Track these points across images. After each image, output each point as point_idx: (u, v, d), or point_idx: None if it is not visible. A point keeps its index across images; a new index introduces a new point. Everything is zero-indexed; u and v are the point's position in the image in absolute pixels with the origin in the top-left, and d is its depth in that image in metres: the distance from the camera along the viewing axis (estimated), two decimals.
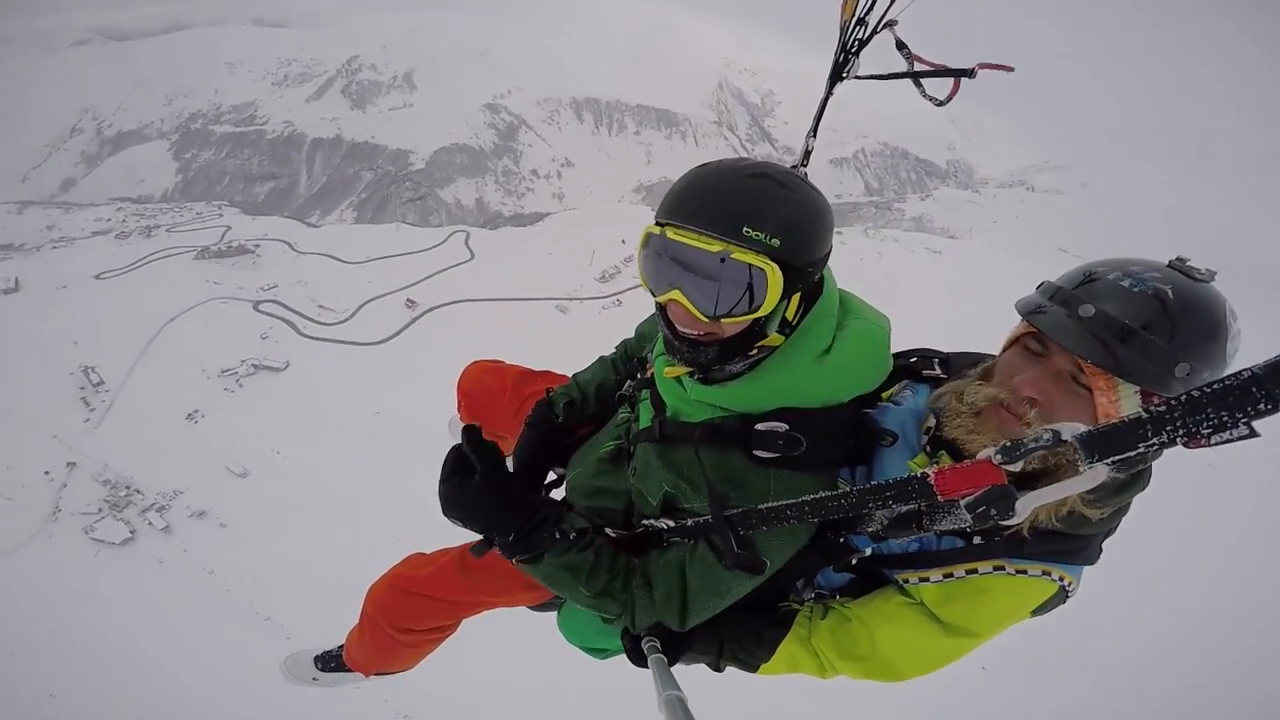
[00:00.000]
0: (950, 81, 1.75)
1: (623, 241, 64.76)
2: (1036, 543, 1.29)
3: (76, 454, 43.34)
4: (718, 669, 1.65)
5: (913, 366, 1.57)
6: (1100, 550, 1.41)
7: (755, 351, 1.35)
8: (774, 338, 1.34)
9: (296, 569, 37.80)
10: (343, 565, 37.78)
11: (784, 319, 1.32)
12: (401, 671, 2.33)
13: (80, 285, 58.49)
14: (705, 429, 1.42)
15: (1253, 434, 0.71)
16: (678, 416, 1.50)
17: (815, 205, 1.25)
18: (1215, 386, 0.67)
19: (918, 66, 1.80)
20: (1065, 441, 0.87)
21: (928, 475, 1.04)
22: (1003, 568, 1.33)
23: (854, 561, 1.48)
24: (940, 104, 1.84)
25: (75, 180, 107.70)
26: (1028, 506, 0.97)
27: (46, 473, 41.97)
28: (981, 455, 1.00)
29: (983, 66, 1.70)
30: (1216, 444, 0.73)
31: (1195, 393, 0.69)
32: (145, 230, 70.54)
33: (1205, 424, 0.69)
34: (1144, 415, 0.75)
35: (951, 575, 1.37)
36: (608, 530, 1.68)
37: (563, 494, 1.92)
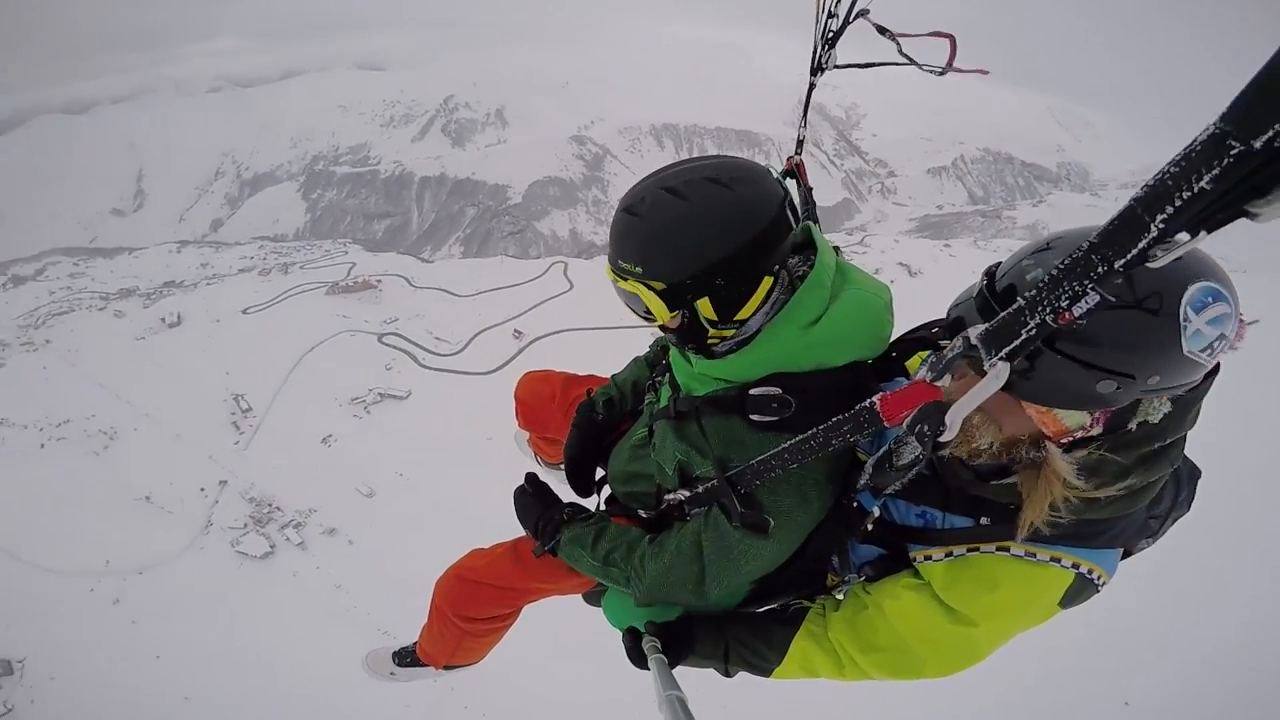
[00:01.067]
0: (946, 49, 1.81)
1: None
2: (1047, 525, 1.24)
3: (228, 473, 47.72)
4: (727, 674, 1.67)
5: (933, 337, 1.50)
6: (1147, 533, 1.37)
7: (716, 341, 1.50)
8: (729, 334, 1.48)
9: (416, 586, 38.95)
10: None
11: (710, 319, 1.43)
12: (470, 664, 2.45)
13: (231, 319, 65.05)
14: (707, 399, 1.54)
15: (1105, 300, 0.79)
16: (689, 393, 1.61)
17: (665, 229, 1.35)
18: (1065, 261, 0.76)
19: (904, 44, 1.91)
20: (974, 344, 0.93)
21: (874, 403, 1.14)
22: (1007, 549, 1.30)
23: (869, 527, 1.48)
24: (940, 74, 1.86)
25: (222, 220, 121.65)
26: (956, 417, 1.00)
27: (202, 489, 46.34)
28: (916, 377, 1.07)
29: (955, 70, 1.82)
30: (1080, 316, 0.81)
31: (1054, 270, 0.78)
32: (283, 267, 77.80)
33: (1064, 297, 0.77)
34: (1021, 303, 0.84)
35: (952, 554, 1.37)
36: (640, 513, 1.87)
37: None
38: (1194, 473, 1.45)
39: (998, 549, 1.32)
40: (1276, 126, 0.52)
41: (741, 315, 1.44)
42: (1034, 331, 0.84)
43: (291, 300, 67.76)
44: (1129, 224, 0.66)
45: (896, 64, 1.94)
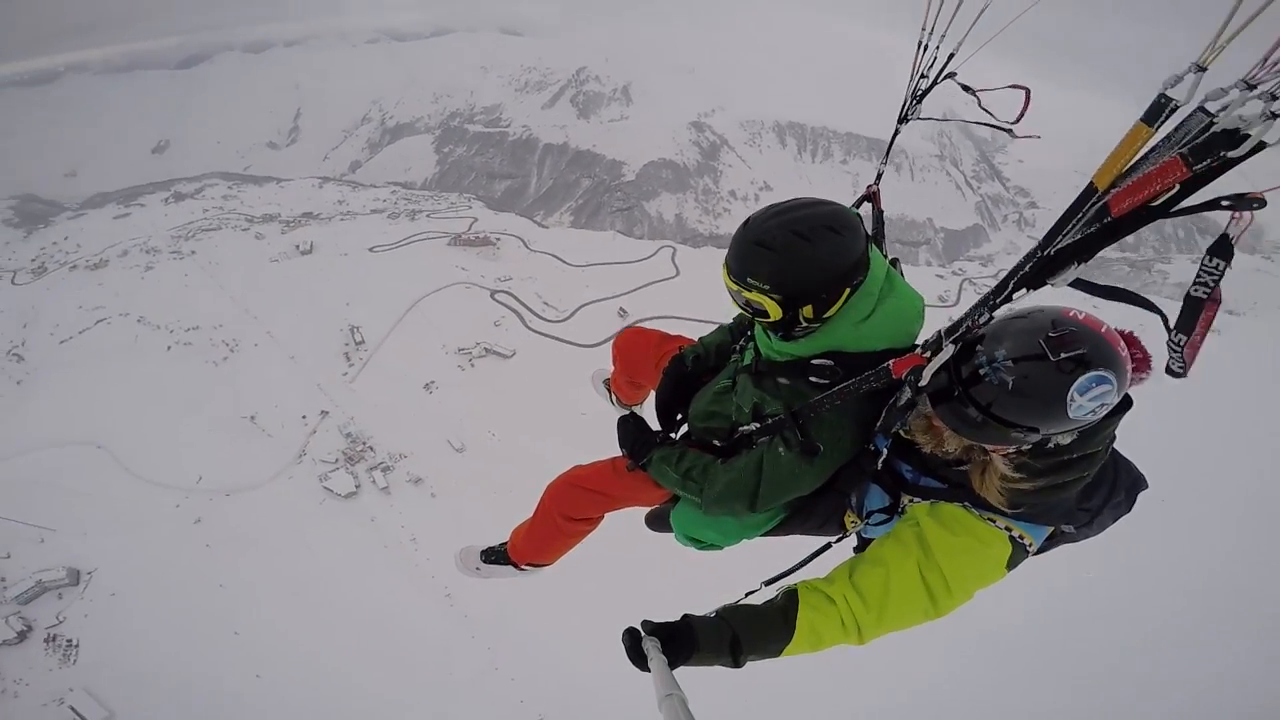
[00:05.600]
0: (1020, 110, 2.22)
1: None
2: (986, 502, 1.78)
3: (331, 404, 48.63)
4: (737, 664, 1.82)
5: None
6: (1076, 520, 1.86)
7: (800, 330, 2.03)
8: (810, 326, 2.01)
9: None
10: None
11: (807, 318, 1.97)
12: (545, 565, 2.96)
13: (357, 255, 67.82)
14: (780, 364, 2.14)
15: (991, 319, 1.51)
16: (769, 358, 2.19)
17: (793, 262, 1.88)
18: (981, 298, 1.48)
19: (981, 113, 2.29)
20: (941, 334, 1.62)
21: (889, 364, 1.76)
22: (965, 507, 1.82)
23: (879, 465, 1.98)
24: (1011, 133, 2.23)
25: (361, 163, 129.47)
26: (927, 372, 1.62)
27: (303, 417, 47.37)
28: (915, 351, 1.70)
29: (1020, 132, 2.22)
30: (981, 326, 1.54)
31: (975, 302, 1.49)
32: (410, 214, 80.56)
33: (977, 316, 1.49)
34: (962, 317, 1.53)
35: (930, 500, 1.91)
36: (715, 443, 2.40)
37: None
38: (1136, 482, 1.93)
39: (960, 503, 1.82)
40: (1066, 244, 1.25)
41: (828, 315, 1.99)
42: (965, 331, 1.53)
43: (415, 245, 69.83)
44: (995, 292, 1.43)
45: (979, 123, 2.26)
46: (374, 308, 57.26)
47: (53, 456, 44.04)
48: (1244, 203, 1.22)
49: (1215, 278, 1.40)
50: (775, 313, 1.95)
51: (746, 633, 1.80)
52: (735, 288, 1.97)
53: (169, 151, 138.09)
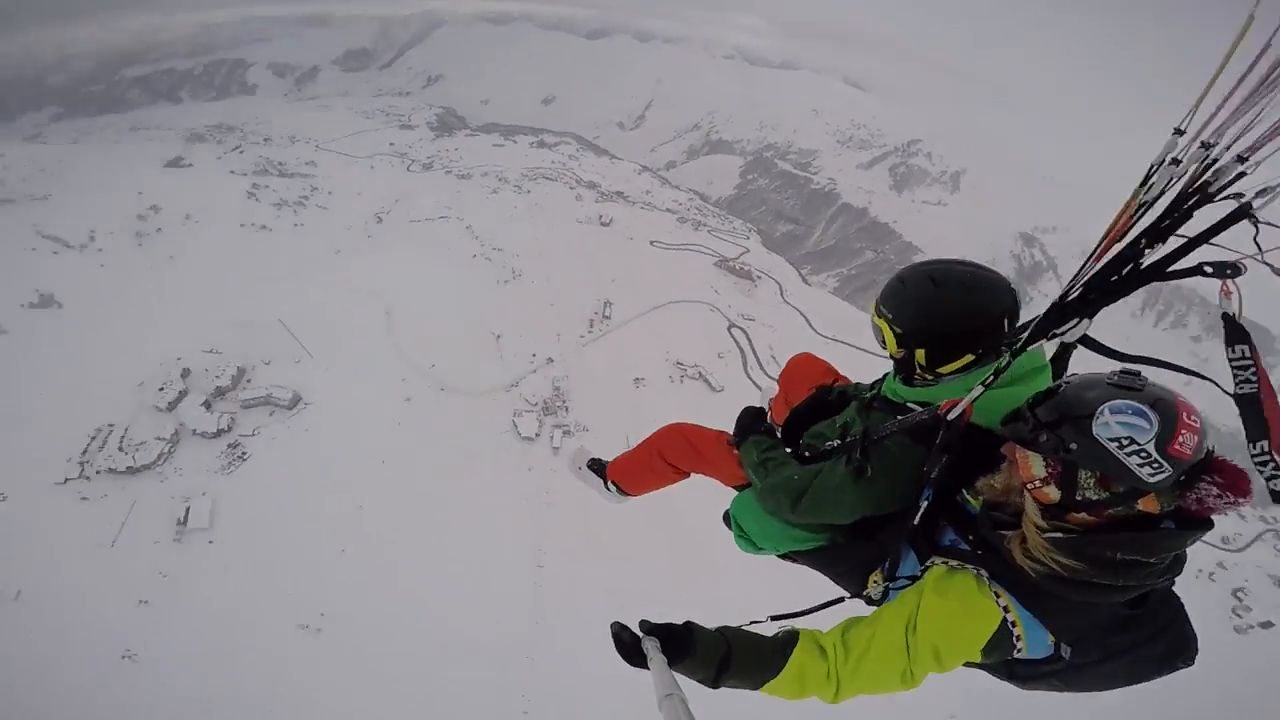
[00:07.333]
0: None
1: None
2: (1008, 576, 1.68)
3: (559, 355, 54.06)
4: (715, 684, 1.76)
5: None
6: (1087, 647, 1.66)
7: (918, 380, 2.21)
8: (926, 377, 2.19)
9: (600, 557, 38.96)
10: (620, 598, 35.12)
11: (921, 364, 2.14)
12: (630, 495, 3.39)
13: (640, 242, 75.46)
14: (888, 402, 2.29)
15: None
16: (884, 395, 2.36)
17: (914, 300, 2.08)
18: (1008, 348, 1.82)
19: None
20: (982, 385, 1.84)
21: (938, 404, 1.97)
22: (981, 574, 1.73)
23: (919, 518, 1.97)
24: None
25: (676, 164, 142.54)
26: (957, 409, 1.84)
27: (533, 355, 53.25)
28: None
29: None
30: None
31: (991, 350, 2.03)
32: (696, 224, 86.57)
33: (1000, 362, 1.81)
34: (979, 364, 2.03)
35: (948, 564, 1.81)
36: (805, 454, 2.50)
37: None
38: (1186, 647, 1.69)
39: (975, 568, 1.72)
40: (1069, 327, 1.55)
41: (942, 370, 2.13)
42: (995, 377, 1.77)
43: (688, 254, 74.86)
44: (1019, 343, 1.72)
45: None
46: (631, 292, 62.80)
47: (351, 299, 55.00)
48: (1221, 269, 1.23)
49: (1249, 366, 1.29)
50: (891, 345, 2.16)
51: (741, 654, 1.77)
52: (871, 312, 2.23)
53: (552, 105, 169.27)
